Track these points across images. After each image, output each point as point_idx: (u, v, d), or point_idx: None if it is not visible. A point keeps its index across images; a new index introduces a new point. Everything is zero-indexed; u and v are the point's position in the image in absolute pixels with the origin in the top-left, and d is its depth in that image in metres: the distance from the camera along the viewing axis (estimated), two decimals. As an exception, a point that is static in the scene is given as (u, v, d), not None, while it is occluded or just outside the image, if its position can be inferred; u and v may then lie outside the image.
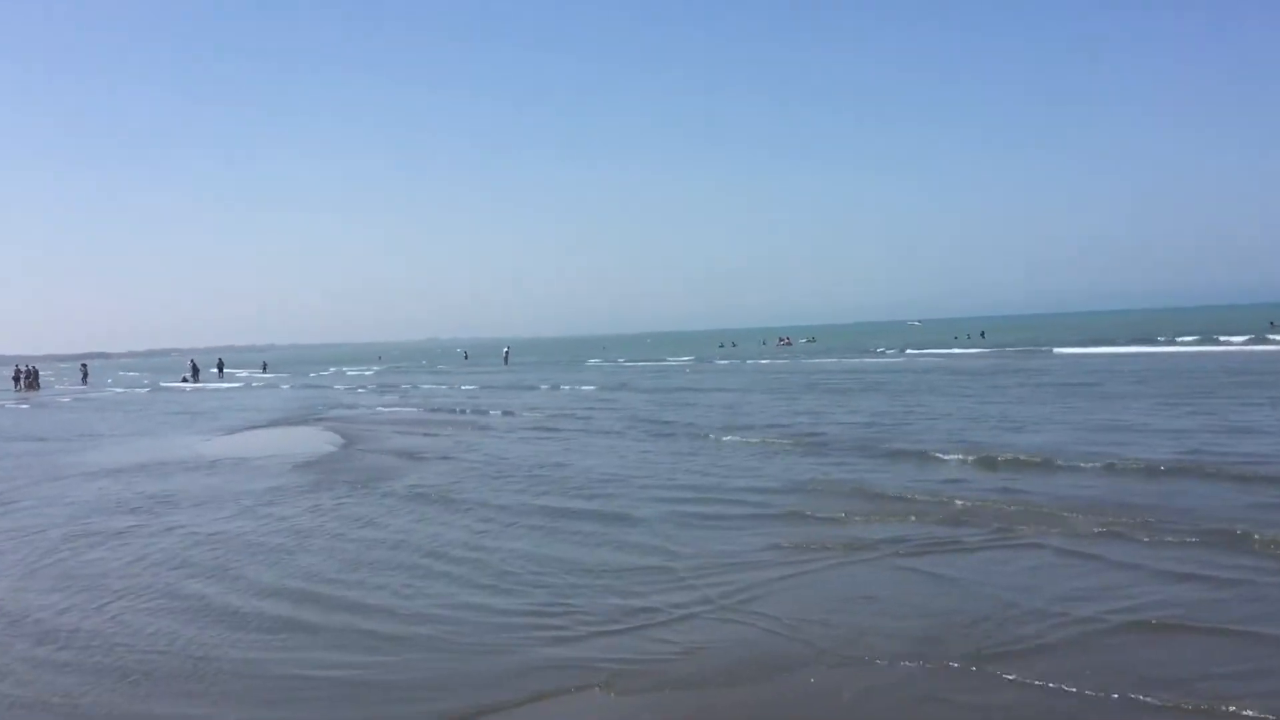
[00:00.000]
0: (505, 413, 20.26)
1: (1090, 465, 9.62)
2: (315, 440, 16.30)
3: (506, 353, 60.58)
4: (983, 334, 65.48)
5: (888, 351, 47.15)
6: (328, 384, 41.98)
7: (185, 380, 48.99)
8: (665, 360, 52.27)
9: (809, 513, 8.06)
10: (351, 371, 59.86)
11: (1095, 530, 6.98)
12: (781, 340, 74.20)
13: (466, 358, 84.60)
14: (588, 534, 7.69)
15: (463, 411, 21.36)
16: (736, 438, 13.49)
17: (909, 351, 46.27)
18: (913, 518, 7.70)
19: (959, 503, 8.11)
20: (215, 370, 57.32)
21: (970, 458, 10.38)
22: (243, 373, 62.83)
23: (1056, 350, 38.54)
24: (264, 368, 65.31)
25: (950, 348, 48.08)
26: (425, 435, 16.26)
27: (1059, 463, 9.82)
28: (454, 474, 11.34)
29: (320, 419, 21.00)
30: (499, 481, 10.58)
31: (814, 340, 79.75)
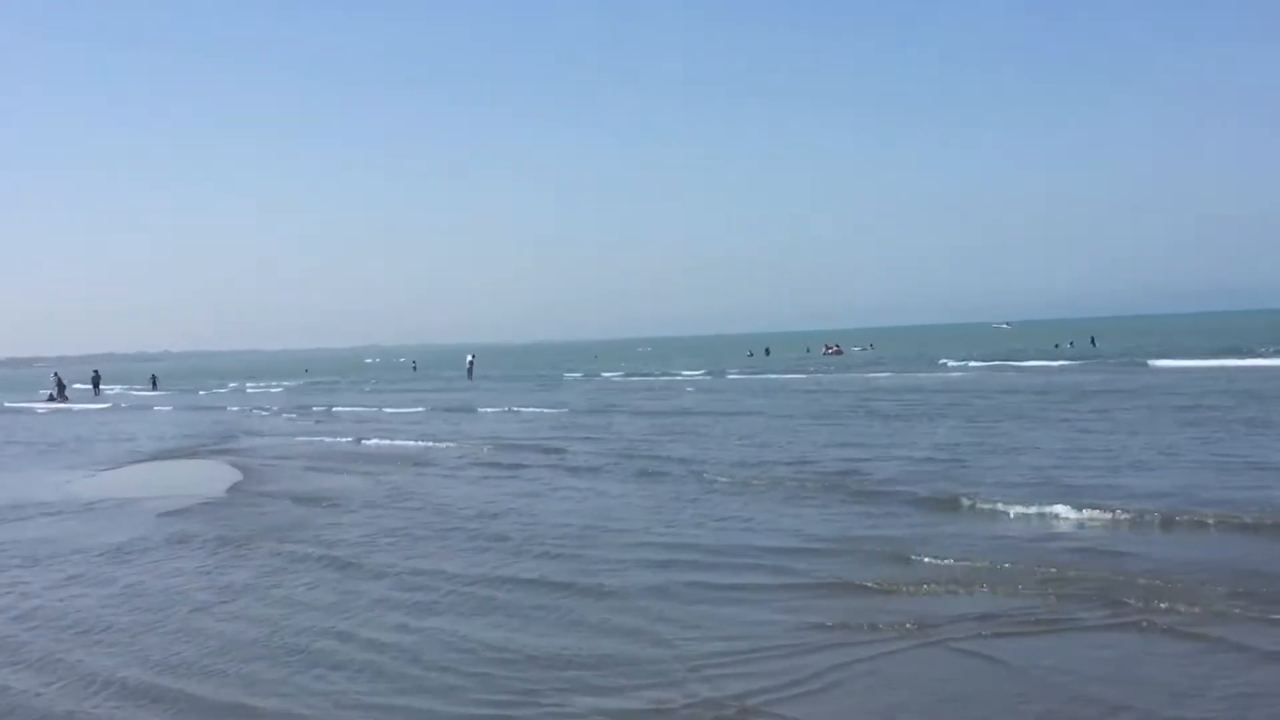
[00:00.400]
0: (454, 443, 20.18)
1: (1223, 518, 9.41)
2: (193, 481, 16.28)
3: (470, 364, 60.23)
4: (1093, 340, 64.92)
5: (950, 365, 47.24)
6: (222, 404, 42.04)
7: (52, 398, 49.16)
8: (670, 374, 52.40)
9: (850, 580, 7.89)
10: (254, 388, 59.89)
11: (1233, 609, 6.76)
12: (829, 349, 74.28)
13: (415, 369, 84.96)
14: (550, 610, 7.51)
15: (399, 439, 21.28)
16: (753, 478, 13.36)
17: (972, 364, 46.48)
18: (987, 587, 7.53)
19: (1052, 569, 7.91)
20: (90, 386, 57.29)
21: (1062, 507, 10.19)
22: (115, 389, 62.81)
23: (1153, 363, 38.41)
24: (154, 382, 64.97)
25: (1028, 359, 48.20)
26: (342, 474, 16.16)
27: (1182, 514, 9.63)
28: (376, 527, 11.23)
29: (214, 451, 20.93)
30: (437, 537, 10.44)
31: (871, 348, 79.90)
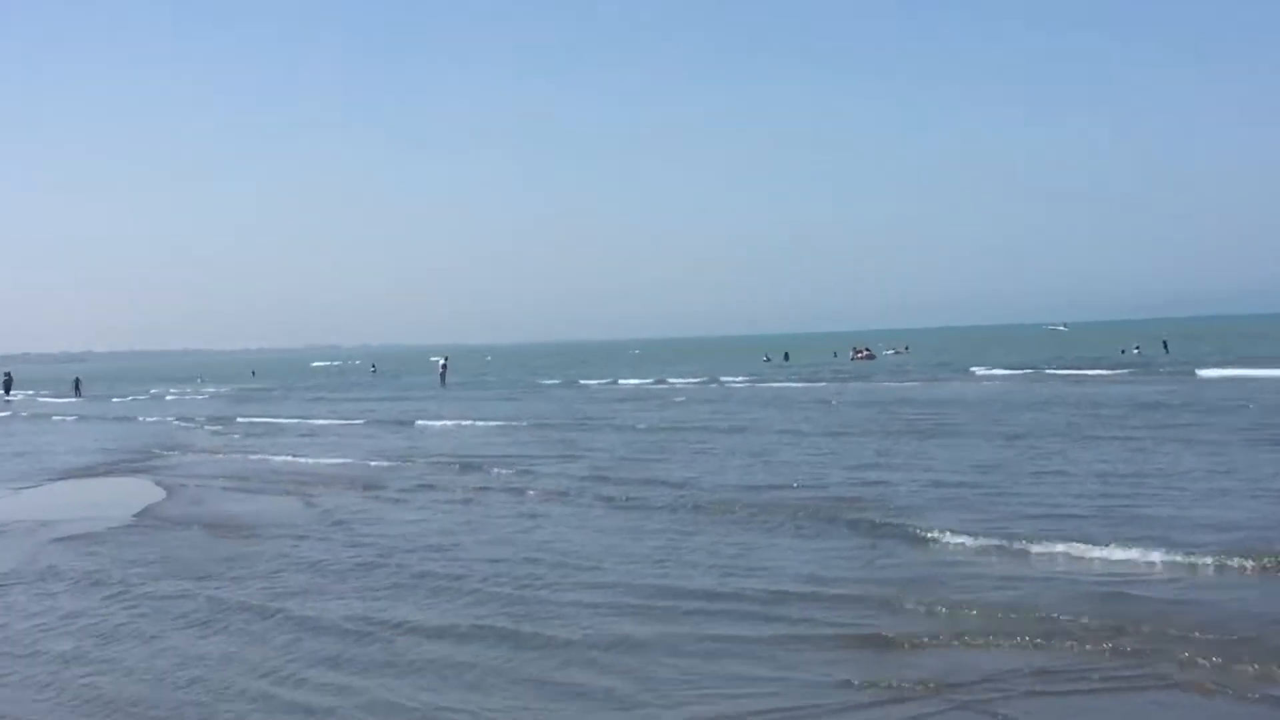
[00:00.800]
0: (402, 461, 20.35)
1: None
2: (94, 504, 16.55)
3: (443, 368, 59.85)
4: (1165, 345, 63.43)
5: (978, 373, 47.52)
6: (140, 413, 42.38)
7: None
8: (663, 381, 52.60)
9: (864, 630, 7.79)
10: (175, 394, 60.50)
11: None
12: (858, 352, 74.17)
13: (375, 372, 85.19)
14: (500, 664, 7.37)
15: (338, 457, 21.46)
16: (751, 506, 13.29)
17: (998, 372, 46.87)
18: (1023, 639, 7.42)
19: (1098, 620, 7.74)
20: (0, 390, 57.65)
21: (1107, 546, 10.05)
22: (18, 395, 63.29)
23: (1207, 373, 38.36)
24: (76, 386, 64.51)
25: (1065, 366, 48.53)
26: (265, 498, 16.35)
27: (1251, 555, 9.41)
28: (296, 560, 11.22)
29: (128, 471, 21.05)
30: (366, 574, 10.38)
31: (906, 350, 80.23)
